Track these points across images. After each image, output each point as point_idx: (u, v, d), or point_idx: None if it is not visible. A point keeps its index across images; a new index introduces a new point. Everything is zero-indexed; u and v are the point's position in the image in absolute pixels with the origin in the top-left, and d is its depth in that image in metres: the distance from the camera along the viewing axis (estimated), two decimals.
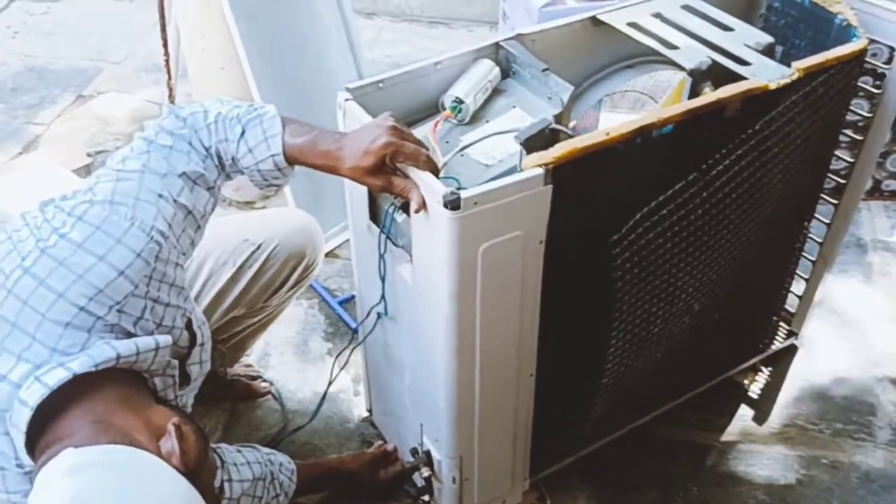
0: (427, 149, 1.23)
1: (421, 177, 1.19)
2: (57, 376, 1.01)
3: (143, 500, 0.95)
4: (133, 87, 3.12)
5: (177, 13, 2.24)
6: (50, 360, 1.02)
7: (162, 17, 2.22)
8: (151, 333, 1.13)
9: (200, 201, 1.22)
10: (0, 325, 1.04)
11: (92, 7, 3.68)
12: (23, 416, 1.00)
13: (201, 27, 2.18)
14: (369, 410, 1.87)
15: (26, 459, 1.03)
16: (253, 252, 1.59)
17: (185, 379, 1.28)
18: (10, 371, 1.02)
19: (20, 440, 1.01)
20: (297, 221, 1.68)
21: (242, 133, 1.23)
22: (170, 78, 2.32)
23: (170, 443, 1.02)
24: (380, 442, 1.78)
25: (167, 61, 2.29)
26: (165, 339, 1.14)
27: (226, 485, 1.38)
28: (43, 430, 1.01)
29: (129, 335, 1.10)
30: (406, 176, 1.21)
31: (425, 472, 1.56)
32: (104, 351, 1.05)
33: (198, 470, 1.04)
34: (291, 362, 2.02)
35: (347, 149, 1.21)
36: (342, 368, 1.62)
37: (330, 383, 1.61)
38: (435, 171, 1.21)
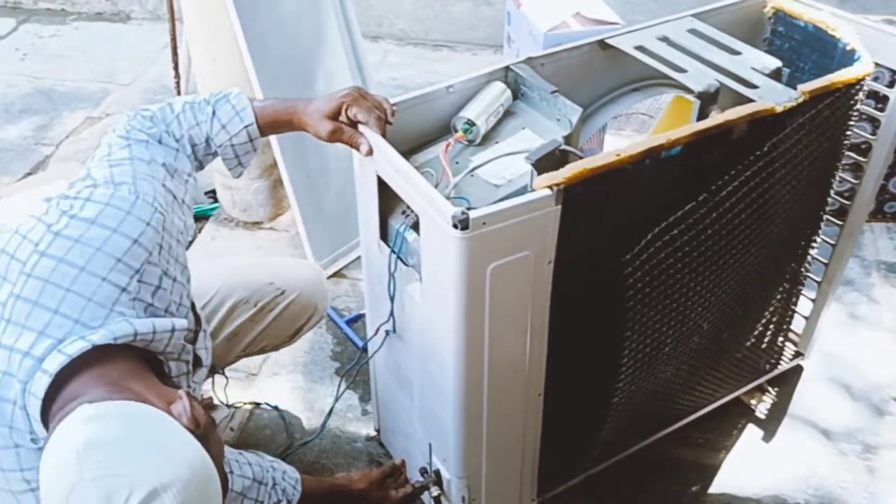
0: (386, 113, 1.33)
1: (431, 198, 1.21)
2: (77, 346, 1.04)
3: (155, 448, 0.97)
4: None
5: (188, 36, 2.27)
6: (72, 333, 1.06)
7: (173, 39, 2.24)
8: (168, 308, 1.17)
9: (180, 190, 1.30)
10: (21, 307, 1.07)
11: (100, 30, 3.72)
12: (41, 383, 1.03)
13: (212, 50, 2.20)
14: (377, 430, 1.87)
15: (40, 430, 1.05)
16: (276, 296, 1.65)
17: (196, 362, 1.32)
18: (33, 346, 1.05)
19: (36, 407, 1.03)
20: (316, 276, 1.78)
21: (213, 113, 1.34)
22: None
23: (181, 405, 1.04)
24: (391, 463, 1.78)
25: (177, 83, 2.31)
26: (181, 323, 1.17)
27: (227, 476, 1.38)
28: (57, 397, 1.03)
29: (149, 307, 1.14)
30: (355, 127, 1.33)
31: (434, 491, 1.56)
32: (123, 327, 1.08)
33: (207, 436, 1.06)
34: (299, 381, 2.03)
35: (313, 101, 1.34)
36: (349, 386, 1.63)
37: (336, 399, 1.62)
38: (383, 132, 1.30)
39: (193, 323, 1.30)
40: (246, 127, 1.36)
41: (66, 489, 0.92)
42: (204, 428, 1.05)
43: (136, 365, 1.10)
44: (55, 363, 1.03)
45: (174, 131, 1.33)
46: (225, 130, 1.35)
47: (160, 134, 1.31)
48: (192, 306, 1.31)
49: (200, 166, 1.40)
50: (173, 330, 1.15)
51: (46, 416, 1.04)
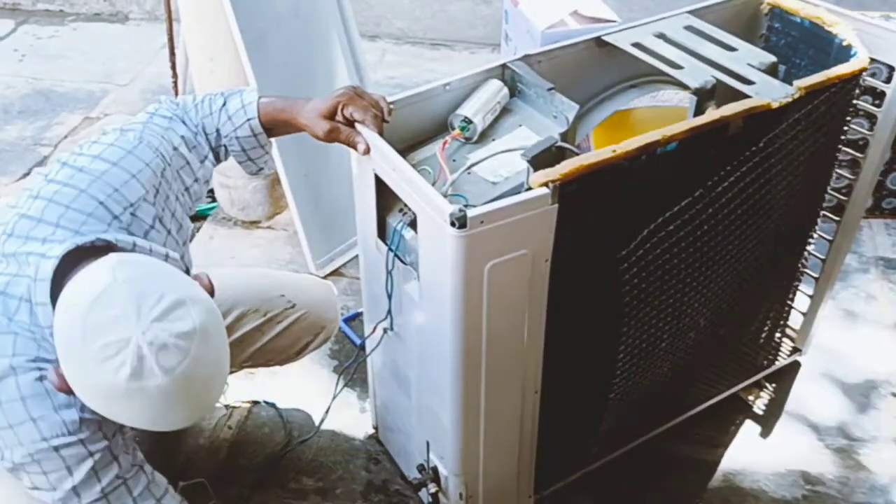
0: (382, 112, 1.34)
1: (429, 196, 1.21)
2: (87, 238, 1.13)
3: (182, 279, 1.09)
4: (139, 109, 3.11)
5: (185, 36, 2.27)
6: (85, 225, 1.16)
7: (170, 39, 2.24)
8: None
9: (195, 163, 1.38)
10: (26, 223, 1.16)
11: (98, 31, 3.72)
12: (48, 266, 1.10)
13: (210, 50, 2.20)
14: (375, 427, 1.88)
15: (45, 318, 1.10)
16: (286, 309, 1.67)
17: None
18: (51, 235, 1.14)
19: (45, 290, 1.09)
20: (328, 295, 1.80)
21: (224, 104, 1.40)
22: None
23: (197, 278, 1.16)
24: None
25: (175, 83, 2.31)
26: (175, 254, 1.26)
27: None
28: (65, 281, 1.08)
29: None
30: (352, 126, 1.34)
31: (432, 488, 1.57)
32: (124, 237, 1.18)
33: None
34: (297, 379, 2.03)
35: (311, 101, 1.37)
36: (346, 384, 1.63)
37: (334, 397, 1.62)
38: (380, 131, 1.32)
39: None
40: (248, 120, 1.39)
41: (98, 290, 1.01)
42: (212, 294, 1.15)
43: None
44: (62, 248, 1.11)
45: (192, 117, 1.40)
46: (230, 122, 1.40)
47: (183, 115, 1.39)
48: (187, 271, 1.35)
49: (216, 158, 1.44)
50: (167, 256, 1.23)
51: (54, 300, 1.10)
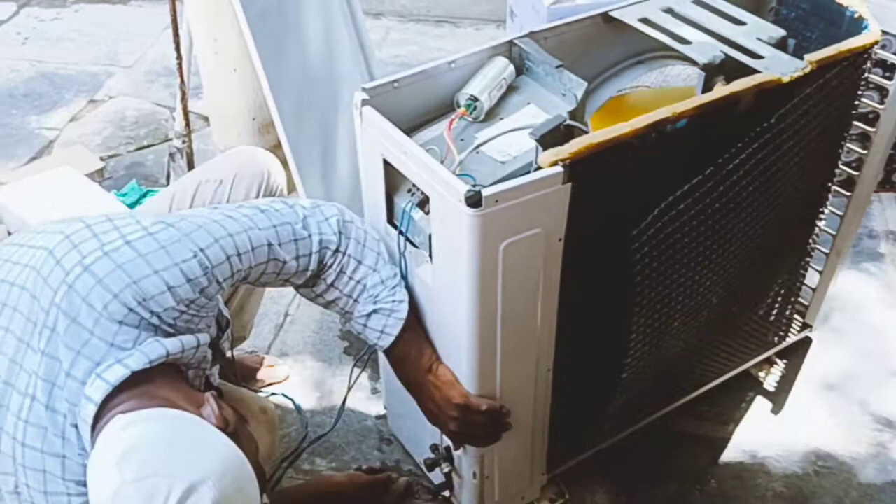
0: None
1: (442, 177, 1.20)
2: (117, 373, 1.08)
3: (188, 447, 1.02)
4: (144, 90, 3.13)
5: (189, 16, 2.25)
6: (107, 357, 1.09)
7: (174, 20, 2.23)
8: (190, 332, 1.19)
9: (267, 276, 1.31)
10: (61, 319, 1.10)
11: (101, 13, 3.69)
12: (89, 411, 1.07)
13: (214, 30, 2.19)
14: (386, 408, 1.88)
15: (90, 448, 1.09)
16: (216, 189, 1.59)
17: (217, 356, 1.34)
18: (72, 366, 1.09)
19: (87, 431, 1.08)
20: (249, 151, 1.69)
21: (369, 314, 1.38)
22: (182, 81, 2.33)
23: (209, 408, 1.10)
24: (384, 474, 1.77)
25: (179, 64, 2.30)
26: (205, 337, 1.20)
27: (264, 470, 1.39)
28: (100, 417, 1.08)
29: (169, 335, 1.15)
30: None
31: (445, 467, 1.57)
32: (156, 348, 1.11)
33: (237, 433, 1.11)
34: (308, 362, 2.04)
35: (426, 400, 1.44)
36: (362, 371, 1.63)
37: (349, 388, 1.63)
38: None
39: (216, 331, 1.32)
40: (375, 343, 1.42)
41: (111, 494, 0.98)
42: (234, 426, 1.11)
43: (165, 374, 1.13)
44: (99, 392, 1.07)
45: (329, 266, 1.35)
46: (365, 328, 1.40)
47: (323, 250, 1.32)
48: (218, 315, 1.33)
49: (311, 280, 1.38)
50: (198, 345, 1.18)
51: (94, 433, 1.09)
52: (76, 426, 1.10)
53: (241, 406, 1.52)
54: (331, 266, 1.34)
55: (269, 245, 1.26)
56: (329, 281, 1.36)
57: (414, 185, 1.34)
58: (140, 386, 1.09)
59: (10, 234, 2.14)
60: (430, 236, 1.32)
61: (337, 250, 1.34)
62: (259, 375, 1.96)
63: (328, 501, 1.69)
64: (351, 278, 1.36)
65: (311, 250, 1.31)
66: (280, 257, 1.28)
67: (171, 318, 1.14)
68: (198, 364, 1.22)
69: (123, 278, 1.11)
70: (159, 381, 1.11)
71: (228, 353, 1.40)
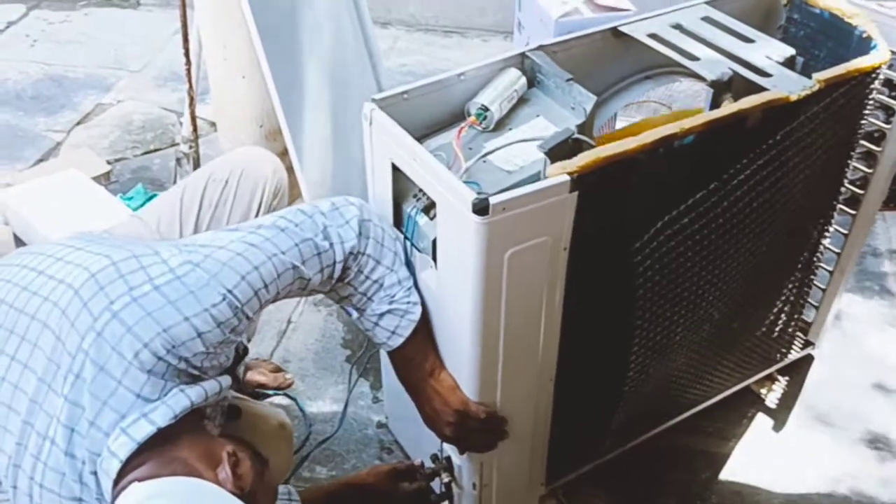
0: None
1: (450, 184, 1.21)
2: (143, 430, 1.06)
3: None
4: (152, 95, 3.15)
5: (198, 22, 2.26)
6: (133, 409, 1.07)
7: (184, 25, 2.24)
8: (213, 369, 1.18)
9: (294, 293, 1.30)
10: (88, 366, 1.07)
11: (110, 16, 3.71)
12: (113, 466, 1.06)
13: (223, 35, 2.20)
14: (388, 416, 1.88)
15: (109, 498, 1.08)
16: (223, 189, 1.60)
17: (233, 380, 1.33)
18: (97, 417, 1.07)
19: (108, 484, 1.07)
20: (253, 150, 1.70)
21: (382, 314, 1.36)
22: (190, 86, 2.34)
23: (224, 471, 1.08)
24: (407, 461, 1.76)
25: (188, 70, 2.31)
26: (227, 380, 1.19)
27: None
28: (122, 475, 1.07)
29: (194, 377, 1.15)
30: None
31: (445, 477, 1.57)
32: (180, 400, 1.10)
33: (254, 492, 1.10)
34: (310, 369, 2.04)
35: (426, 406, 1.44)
36: (360, 376, 1.63)
37: (349, 392, 1.63)
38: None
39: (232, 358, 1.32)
40: (384, 343, 1.41)
41: None
42: (251, 485, 1.11)
43: (186, 422, 1.12)
44: (124, 448, 1.05)
45: (349, 269, 1.33)
46: (374, 326, 1.39)
47: (345, 255, 1.30)
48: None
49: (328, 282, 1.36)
50: (220, 389, 1.17)
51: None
52: (95, 473, 1.08)
53: (260, 422, 1.53)
54: (350, 266, 1.33)
55: (294, 267, 1.24)
56: (346, 279, 1.35)
57: (420, 191, 1.34)
58: (162, 445, 1.08)
59: (15, 236, 2.15)
60: (433, 241, 1.33)
61: (357, 252, 1.32)
62: (264, 381, 1.95)
63: (352, 494, 1.65)
64: (368, 277, 1.34)
65: (335, 260, 1.29)
66: (305, 275, 1.26)
67: (199, 361, 1.13)
68: (217, 403, 1.21)
69: (154, 326, 1.08)
70: (179, 437, 1.10)
71: (240, 373, 1.40)
